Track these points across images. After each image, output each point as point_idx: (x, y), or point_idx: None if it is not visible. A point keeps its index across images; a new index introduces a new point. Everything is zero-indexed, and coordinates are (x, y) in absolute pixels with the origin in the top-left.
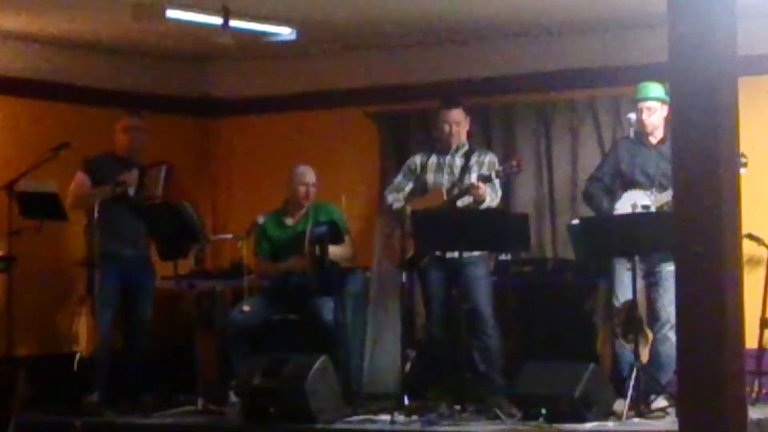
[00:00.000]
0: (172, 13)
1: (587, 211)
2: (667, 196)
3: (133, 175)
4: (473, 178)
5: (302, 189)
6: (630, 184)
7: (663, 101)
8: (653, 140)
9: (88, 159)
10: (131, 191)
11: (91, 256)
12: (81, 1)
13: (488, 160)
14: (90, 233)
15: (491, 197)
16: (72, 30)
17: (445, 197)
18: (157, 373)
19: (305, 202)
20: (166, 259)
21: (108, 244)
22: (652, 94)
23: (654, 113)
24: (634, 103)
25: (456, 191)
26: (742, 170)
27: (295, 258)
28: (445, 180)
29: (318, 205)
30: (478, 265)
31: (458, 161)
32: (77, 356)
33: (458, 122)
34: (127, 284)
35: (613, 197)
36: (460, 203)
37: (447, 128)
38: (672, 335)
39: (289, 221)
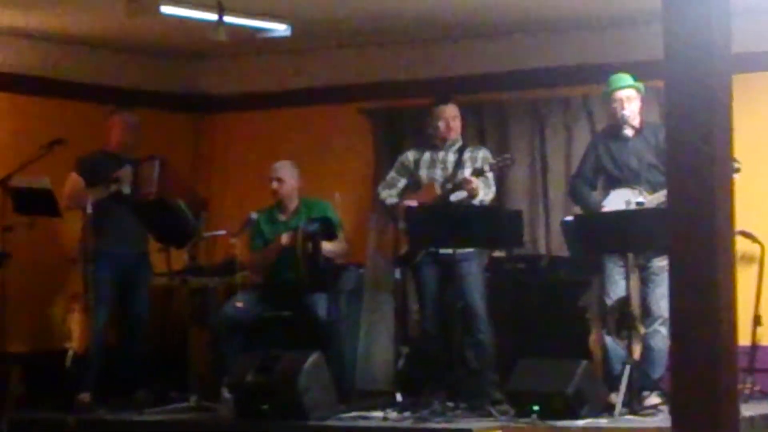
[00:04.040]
0: (166, 9)
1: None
2: (662, 196)
3: (126, 172)
4: (466, 173)
5: (271, 184)
6: (616, 181)
7: (638, 90)
8: (630, 132)
9: (80, 159)
10: (126, 189)
11: (87, 253)
12: None
13: (481, 155)
14: (86, 231)
15: (485, 192)
16: (65, 26)
17: (438, 192)
18: (149, 370)
19: (275, 197)
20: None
21: (104, 241)
22: (628, 83)
23: (632, 102)
24: (608, 96)
25: (449, 186)
26: (735, 176)
27: (286, 234)
28: (438, 175)
29: (309, 202)
30: (472, 261)
31: (451, 157)
32: (70, 353)
33: (453, 117)
34: (123, 281)
35: (602, 193)
36: (453, 198)
37: (443, 124)
38: (663, 330)
39: (282, 218)
